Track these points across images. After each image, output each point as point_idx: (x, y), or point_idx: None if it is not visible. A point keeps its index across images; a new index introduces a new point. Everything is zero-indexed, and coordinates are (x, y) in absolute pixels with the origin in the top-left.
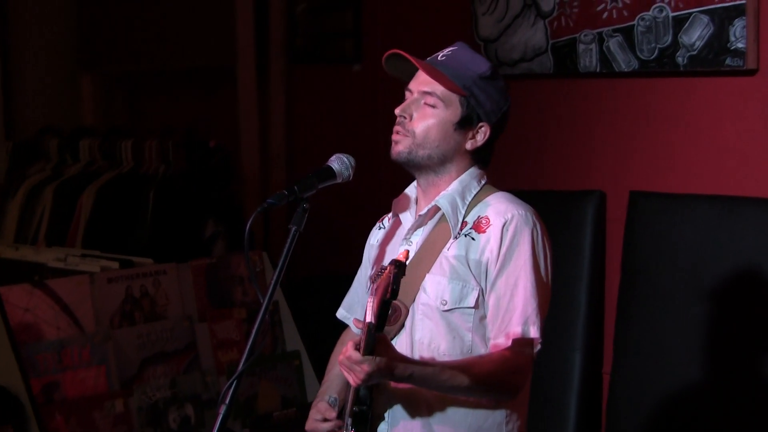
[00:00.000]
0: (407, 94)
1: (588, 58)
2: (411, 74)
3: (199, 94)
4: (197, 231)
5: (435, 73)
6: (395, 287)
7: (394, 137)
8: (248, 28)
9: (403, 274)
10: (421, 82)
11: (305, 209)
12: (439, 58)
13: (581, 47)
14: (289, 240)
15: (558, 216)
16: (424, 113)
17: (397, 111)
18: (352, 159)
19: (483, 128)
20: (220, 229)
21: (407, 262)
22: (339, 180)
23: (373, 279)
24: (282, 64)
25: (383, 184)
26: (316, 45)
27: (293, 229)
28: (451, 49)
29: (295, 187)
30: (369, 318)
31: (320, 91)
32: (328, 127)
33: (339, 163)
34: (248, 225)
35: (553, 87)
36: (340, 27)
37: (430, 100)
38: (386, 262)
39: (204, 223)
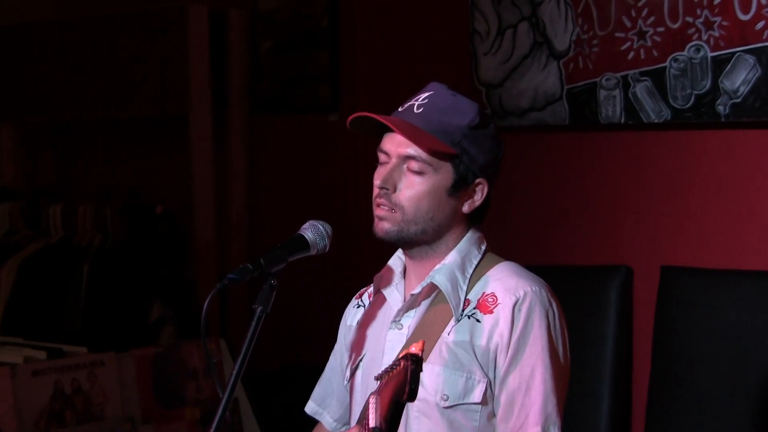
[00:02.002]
0: (382, 156)
1: (611, 107)
2: (379, 129)
3: (144, 149)
4: (141, 314)
5: (418, 136)
6: (413, 387)
7: (378, 212)
8: (203, 71)
9: (421, 370)
10: (400, 143)
11: (273, 286)
12: (415, 109)
13: (602, 94)
14: (253, 323)
15: (577, 296)
16: (411, 182)
17: (376, 182)
18: (328, 227)
19: (480, 185)
20: (168, 312)
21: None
22: (313, 252)
23: (379, 377)
24: (243, 113)
25: (366, 257)
26: (284, 91)
27: (259, 309)
28: (426, 94)
29: (261, 261)
30: (373, 422)
31: (289, 145)
32: (299, 189)
33: (313, 231)
34: (205, 306)
35: (569, 141)
36: (313, 69)
37: (415, 165)
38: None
39: (149, 305)
